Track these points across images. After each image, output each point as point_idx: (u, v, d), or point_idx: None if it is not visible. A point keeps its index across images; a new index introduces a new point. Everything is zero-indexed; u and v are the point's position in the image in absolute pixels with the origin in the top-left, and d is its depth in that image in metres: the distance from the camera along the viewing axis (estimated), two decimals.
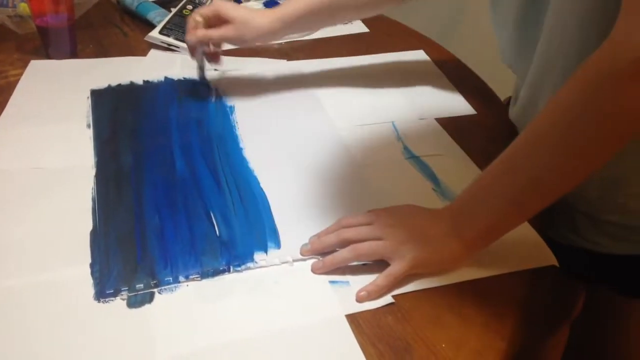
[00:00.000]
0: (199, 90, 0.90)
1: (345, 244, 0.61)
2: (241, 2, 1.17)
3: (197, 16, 0.82)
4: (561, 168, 0.53)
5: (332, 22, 0.90)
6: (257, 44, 0.90)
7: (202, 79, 0.90)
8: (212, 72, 0.95)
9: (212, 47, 0.86)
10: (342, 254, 0.61)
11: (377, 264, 0.61)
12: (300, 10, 0.82)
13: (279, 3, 1.16)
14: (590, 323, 0.64)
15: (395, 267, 0.59)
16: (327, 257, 0.61)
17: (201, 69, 0.89)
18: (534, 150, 0.54)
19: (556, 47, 0.62)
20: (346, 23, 1.04)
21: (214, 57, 0.88)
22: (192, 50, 0.85)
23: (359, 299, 0.58)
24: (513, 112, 0.78)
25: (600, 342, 0.77)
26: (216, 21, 0.83)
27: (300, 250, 0.63)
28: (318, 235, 0.64)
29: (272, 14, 0.82)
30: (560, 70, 0.62)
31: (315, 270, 0.61)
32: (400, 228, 0.61)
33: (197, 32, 0.82)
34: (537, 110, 0.65)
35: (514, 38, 0.71)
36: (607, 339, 0.77)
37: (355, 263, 0.61)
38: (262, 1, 1.17)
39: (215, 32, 0.82)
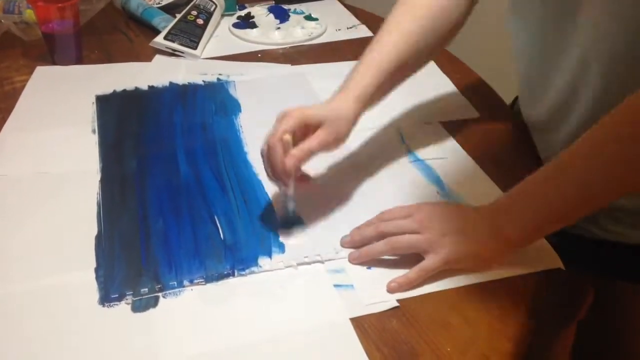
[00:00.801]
0: (205, 96, 0.90)
1: (382, 236, 0.61)
2: (245, 7, 1.17)
3: (284, 135, 0.62)
4: (613, 181, 0.54)
5: (402, 82, 0.74)
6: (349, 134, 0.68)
7: (293, 214, 0.67)
8: (215, 76, 0.95)
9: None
10: (379, 246, 0.61)
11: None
12: (372, 86, 0.68)
13: (284, 9, 1.16)
14: (596, 313, 0.63)
15: (429, 262, 0.59)
16: (364, 248, 0.62)
17: (292, 200, 0.66)
18: (587, 161, 0.55)
19: (594, 61, 0.62)
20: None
21: (303, 181, 0.70)
22: (285, 179, 0.64)
23: (390, 289, 0.59)
24: (530, 119, 0.78)
25: (607, 332, 0.76)
26: (302, 131, 0.65)
27: (341, 242, 0.64)
28: (359, 227, 0.64)
29: (347, 98, 0.67)
30: (599, 79, 0.63)
31: (352, 260, 0.62)
32: (438, 222, 0.61)
33: (294, 154, 0.62)
34: (566, 119, 0.66)
35: (537, 47, 0.70)
36: (613, 329, 0.76)
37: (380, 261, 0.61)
38: (267, 6, 1.18)
39: (313, 143, 0.63)
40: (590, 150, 0.55)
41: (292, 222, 0.67)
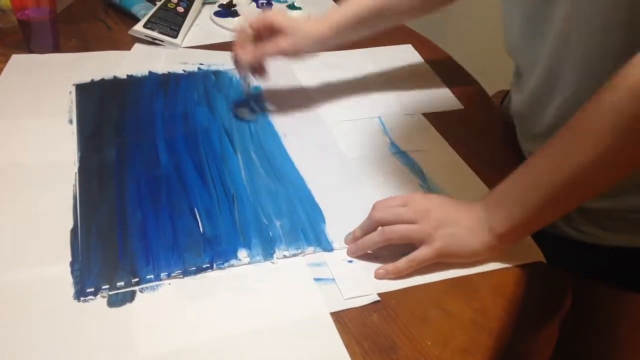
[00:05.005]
0: (187, 85, 0.89)
1: (377, 224, 0.61)
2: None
3: (246, 28, 0.78)
4: (603, 167, 0.53)
5: (380, 27, 0.84)
6: (308, 53, 0.81)
7: (249, 94, 0.85)
8: (196, 66, 0.93)
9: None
10: (373, 237, 0.61)
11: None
12: (350, 16, 0.79)
13: (271, 3, 1.14)
14: (578, 317, 0.63)
15: (421, 253, 0.59)
16: (360, 240, 0.61)
17: (248, 84, 0.84)
18: (574, 147, 0.54)
19: (572, 44, 0.62)
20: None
21: (261, 72, 0.82)
22: (241, 66, 0.79)
23: (377, 276, 0.59)
24: (515, 104, 0.77)
25: (588, 336, 0.77)
26: (265, 32, 0.78)
27: (345, 240, 0.63)
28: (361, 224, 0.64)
29: (321, 21, 0.79)
30: (577, 65, 0.62)
31: (350, 254, 0.62)
32: (434, 213, 0.60)
33: (250, 49, 0.77)
34: (546, 104, 0.64)
35: (521, 31, 0.70)
36: (594, 333, 0.77)
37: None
38: None
39: (271, 47, 0.77)
40: (575, 138, 0.54)
41: (254, 96, 0.84)
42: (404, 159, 0.76)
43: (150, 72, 0.91)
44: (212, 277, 0.59)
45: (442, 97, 0.90)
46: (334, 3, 1.17)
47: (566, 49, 0.63)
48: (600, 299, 0.74)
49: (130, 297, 0.56)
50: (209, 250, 0.61)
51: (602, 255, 0.70)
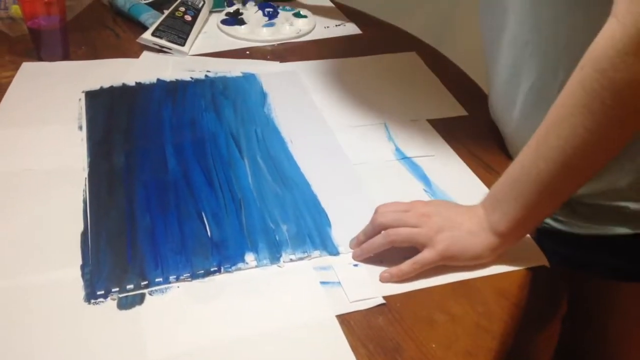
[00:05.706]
0: (194, 92, 0.90)
1: (380, 228, 0.62)
2: (234, 4, 1.17)
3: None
4: (586, 148, 0.53)
5: None
6: None
7: None
8: (203, 73, 0.95)
9: None
10: (376, 240, 0.62)
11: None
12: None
13: (273, 6, 1.16)
14: (573, 310, 0.64)
15: (424, 255, 0.60)
16: (364, 244, 0.62)
17: None
18: (557, 134, 0.54)
19: (525, 37, 0.64)
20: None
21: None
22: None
23: (382, 279, 0.60)
24: (490, 107, 0.79)
25: (578, 325, 0.77)
26: None
27: (349, 244, 0.64)
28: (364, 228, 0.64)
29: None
30: (536, 53, 0.64)
31: (355, 257, 0.63)
32: (437, 217, 0.61)
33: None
34: (515, 97, 0.68)
35: (483, 25, 0.73)
36: (585, 322, 0.77)
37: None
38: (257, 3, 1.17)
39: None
40: (556, 126, 0.55)
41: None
42: (409, 165, 0.77)
43: (158, 80, 0.93)
44: (220, 281, 0.60)
45: (446, 103, 0.90)
46: (339, 11, 1.18)
47: (524, 45, 0.65)
48: (589, 289, 0.75)
49: (140, 299, 0.57)
50: (217, 254, 0.62)
51: (585, 245, 0.71)
